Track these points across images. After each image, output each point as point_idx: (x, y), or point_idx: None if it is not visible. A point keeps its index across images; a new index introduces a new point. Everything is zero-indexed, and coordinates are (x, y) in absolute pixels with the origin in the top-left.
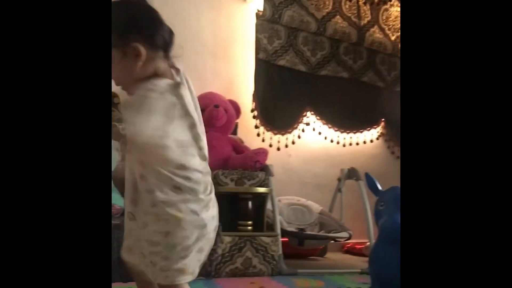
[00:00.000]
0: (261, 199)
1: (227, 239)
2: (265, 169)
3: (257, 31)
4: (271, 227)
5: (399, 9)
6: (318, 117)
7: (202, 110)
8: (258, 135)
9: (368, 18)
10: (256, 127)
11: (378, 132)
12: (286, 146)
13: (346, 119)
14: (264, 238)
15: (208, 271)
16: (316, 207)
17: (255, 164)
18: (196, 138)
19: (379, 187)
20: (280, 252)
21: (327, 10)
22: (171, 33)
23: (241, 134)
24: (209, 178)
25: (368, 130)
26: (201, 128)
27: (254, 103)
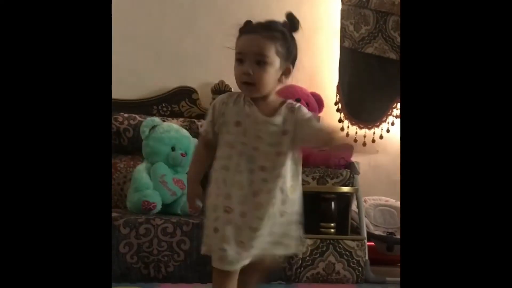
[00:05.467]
0: (345, 200)
1: (309, 241)
2: (350, 166)
3: (342, 18)
4: (356, 230)
5: None
6: None
7: None
8: (342, 129)
9: None
10: (340, 121)
11: None
12: (373, 141)
13: None
14: (348, 242)
15: (287, 275)
16: None
17: (339, 161)
18: None
19: None
20: (367, 257)
21: None
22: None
23: None
24: None
25: None
26: None
27: (338, 95)
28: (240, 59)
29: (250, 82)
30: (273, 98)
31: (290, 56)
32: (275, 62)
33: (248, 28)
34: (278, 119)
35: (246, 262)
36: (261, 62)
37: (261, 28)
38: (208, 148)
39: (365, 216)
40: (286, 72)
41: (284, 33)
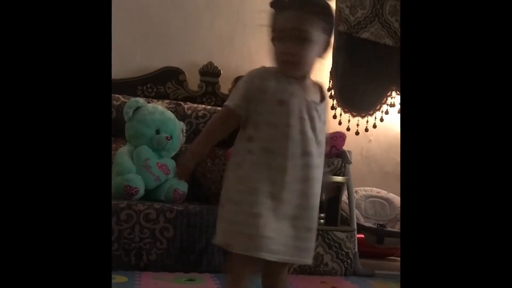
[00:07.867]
0: (336, 189)
1: None
2: (342, 155)
3: (337, 0)
4: (346, 221)
5: None
6: None
7: None
8: (335, 117)
9: None
10: (333, 108)
11: None
12: (366, 130)
13: None
14: (338, 233)
15: None
16: (398, 200)
17: (330, 150)
18: None
19: None
20: (356, 250)
21: None
22: None
23: None
24: None
25: None
26: None
27: (331, 81)
28: (279, 37)
29: (292, 61)
30: (310, 76)
31: (332, 30)
32: (319, 38)
33: (285, 4)
34: (323, 106)
35: (287, 259)
36: (304, 39)
37: (301, 2)
38: (230, 124)
39: (356, 207)
40: (327, 47)
41: (326, 6)
